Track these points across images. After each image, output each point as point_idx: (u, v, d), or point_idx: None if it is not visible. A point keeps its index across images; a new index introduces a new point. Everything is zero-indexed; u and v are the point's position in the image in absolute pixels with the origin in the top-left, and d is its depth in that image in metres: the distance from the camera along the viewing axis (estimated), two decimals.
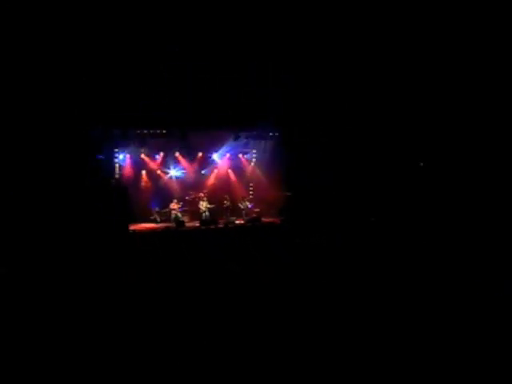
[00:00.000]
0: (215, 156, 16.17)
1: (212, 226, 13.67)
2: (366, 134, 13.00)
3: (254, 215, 15.32)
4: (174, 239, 12.10)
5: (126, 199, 13.32)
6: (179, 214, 14.65)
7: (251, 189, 16.93)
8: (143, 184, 15.28)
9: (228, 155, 16.37)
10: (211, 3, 10.44)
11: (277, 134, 15.21)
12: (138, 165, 15.12)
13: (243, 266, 8.16)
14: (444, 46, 11.04)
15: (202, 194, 15.52)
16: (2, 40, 9.33)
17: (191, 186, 15.97)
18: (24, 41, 9.59)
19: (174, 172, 15.76)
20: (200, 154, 15.88)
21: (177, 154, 15.59)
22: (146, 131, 13.89)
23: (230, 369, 4.32)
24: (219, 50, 11.46)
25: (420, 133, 12.19)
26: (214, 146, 15.82)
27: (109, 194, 12.05)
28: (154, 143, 14.65)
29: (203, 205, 15.04)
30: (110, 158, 13.48)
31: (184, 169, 15.89)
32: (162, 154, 15.30)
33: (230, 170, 16.76)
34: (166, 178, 15.66)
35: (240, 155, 16.64)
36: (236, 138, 14.88)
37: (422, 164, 12.36)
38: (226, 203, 15.36)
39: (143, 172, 15.26)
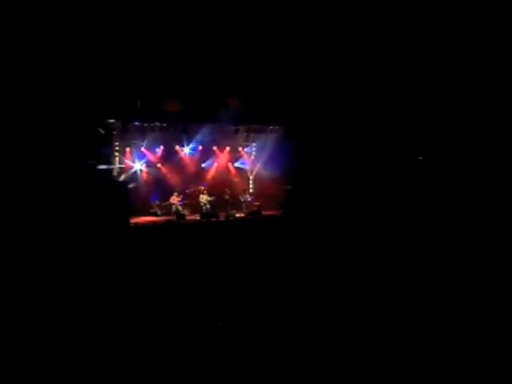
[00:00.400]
0: (215, 149, 16.19)
1: (213, 219, 13.74)
2: (364, 131, 13.02)
3: (255, 208, 15.39)
4: (175, 232, 12.18)
5: (126, 192, 13.38)
6: (180, 207, 14.71)
7: (251, 182, 16.98)
8: (143, 177, 15.32)
9: (228, 148, 16.40)
10: None
11: (277, 127, 15.23)
12: (139, 158, 15.13)
13: (243, 265, 8.17)
14: (443, 40, 11.03)
15: (202, 187, 15.58)
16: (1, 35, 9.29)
17: (191, 179, 16.01)
18: (27, 38, 9.56)
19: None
20: (200, 148, 15.90)
21: (177, 148, 15.61)
22: (146, 124, 13.89)
23: (230, 368, 4.34)
24: (221, 43, 11.43)
25: (419, 131, 12.22)
26: (215, 139, 15.83)
27: (109, 188, 12.09)
28: (155, 136, 14.65)
29: (203, 198, 15.10)
30: (111, 151, 13.50)
31: (184, 162, 15.93)
32: (162, 147, 15.30)
33: (230, 164, 16.80)
34: (166, 171, 15.68)
35: (240, 148, 16.66)
36: (236, 132, 14.90)
37: (420, 158, 12.41)
38: (227, 196, 15.41)
39: (143, 165, 15.28)
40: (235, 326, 5.39)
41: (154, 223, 13.57)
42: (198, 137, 15.27)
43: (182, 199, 15.02)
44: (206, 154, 16.22)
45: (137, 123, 13.66)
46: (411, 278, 6.94)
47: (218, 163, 16.54)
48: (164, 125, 14.07)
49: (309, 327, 5.31)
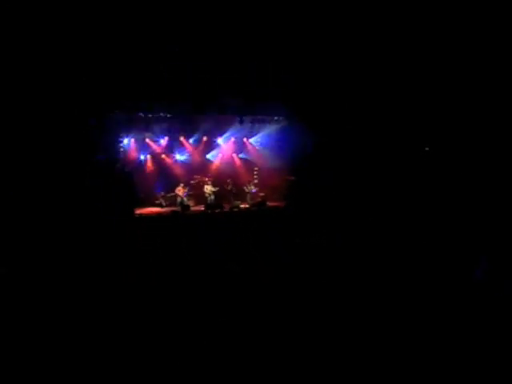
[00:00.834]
0: (220, 140, 16.14)
1: (217, 210, 13.75)
2: (369, 121, 12.86)
3: (259, 199, 15.37)
4: (179, 223, 12.21)
5: (131, 183, 13.43)
6: (185, 198, 14.72)
7: (256, 173, 16.94)
8: (148, 168, 15.34)
9: (233, 139, 16.33)
10: None
11: (281, 117, 15.11)
12: (143, 149, 15.14)
13: (244, 262, 8.14)
14: (447, 31, 10.79)
15: (206, 179, 15.58)
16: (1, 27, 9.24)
17: (196, 170, 16.00)
18: (31, 31, 9.51)
19: (178, 156, 15.79)
20: (205, 138, 15.85)
21: (181, 138, 15.58)
22: (150, 115, 13.85)
23: (230, 368, 4.34)
24: (225, 33, 11.28)
25: (426, 122, 12.05)
26: (219, 129, 15.77)
27: (114, 179, 12.12)
28: (159, 127, 14.62)
29: (208, 189, 15.10)
30: (115, 142, 13.51)
31: (188, 153, 15.90)
32: (166, 138, 15.28)
33: (234, 154, 16.75)
34: (171, 161, 15.68)
35: (245, 139, 16.59)
36: (241, 122, 14.79)
37: (427, 149, 12.25)
38: (229, 187, 15.42)
39: (148, 156, 15.29)
40: (235, 323, 5.38)
41: (158, 214, 13.62)
42: (202, 127, 15.22)
43: (188, 190, 15.02)
44: (211, 145, 16.18)
45: (141, 114, 13.61)
46: (411, 278, 6.85)
47: (223, 154, 16.49)
48: (168, 115, 14.00)
49: (308, 325, 5.30)
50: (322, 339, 4.98)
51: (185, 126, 15.02)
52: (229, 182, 15.56)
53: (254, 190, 15.89)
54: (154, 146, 15.21)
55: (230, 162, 16.71)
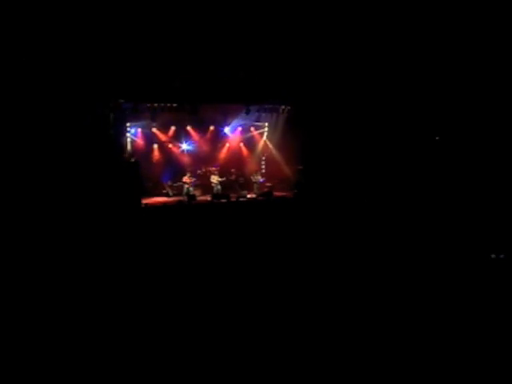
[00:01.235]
0: (227, 130, 16.05)
1: (223, 200, 13.72)
2: (377, 110, 12.63)
3: (266, 189, 15.30)
4: (185, 213, 12.23)
5: (138, 173, 13.44)
6: (191, 188, 14.72)
7: (263, 163, 16.84)
8: (155, 158, 15.35)
9: (240, 129, 16.23)
10: None
11: (288, 107, 14.91)
12: (150, 139, 15.14)
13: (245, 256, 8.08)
14: (456, 23, 10.45)
15: (213, 168, 15.54)
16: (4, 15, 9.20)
17: (203, 160, 15.98)
18: (38, 24, 9.47)
19: (185, 146, 15.75)
20: (212, 128, 15.77)
21: (188, 128, 15.52)
22: (156, 105, 13.78)
23: (230, 367, 4.31)
24: (231, 24, 11.11)
25: (433, 116, 11.80)
26: (226, 119, 15.67)
27: (121, 169, 12.15)
28: (166, 117, 14.56)
29: (214, 178, 15.08)
30: (122, 132, 13.52)
31: (195, 142, 15.86)
32: (173, 127, 15.23)
33: (241, 144, 16.66)
34: (177, 151, 15.67)
35: (252, 129, 16.47)
36: (247, 112, 14.64)
37: (437, 138, 11.99)
38: (233, 177, 15.36)
39: (155, 146, 15.29)
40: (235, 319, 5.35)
41: (164, 204, 13.65)
42: (209, 117, 15.15)
43: (195, 180, 15.02)
44: (218, 135, 16.11)
45: (147, 104, 13.56)
46: (412, 276, 6.71)
47: (230, 144, 16.42)
48: (174, 105, 13.91)
49: (308, 322, 5.25)
50: (322, 332, 4.94)
51: (191, 115, 14.94)
52: (233, 171, 15.53)
53: (261, 180, 15.81)
54: (160, 135, 15.20)
55: (237, 152, 16.64)
